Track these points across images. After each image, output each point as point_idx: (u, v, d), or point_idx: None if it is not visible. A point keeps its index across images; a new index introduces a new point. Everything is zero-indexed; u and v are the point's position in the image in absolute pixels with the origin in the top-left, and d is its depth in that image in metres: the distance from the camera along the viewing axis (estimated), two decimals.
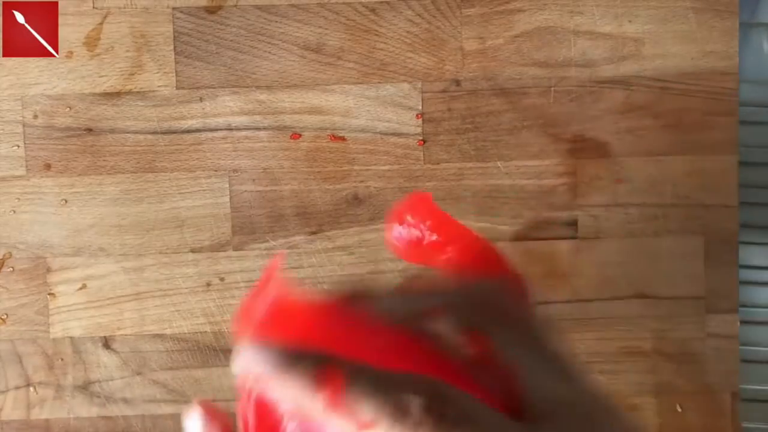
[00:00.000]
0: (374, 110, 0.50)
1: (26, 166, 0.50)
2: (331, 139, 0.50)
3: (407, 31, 0.50)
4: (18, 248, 0.50)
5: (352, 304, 0.24)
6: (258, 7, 0.49)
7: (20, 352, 0.50)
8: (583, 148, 0.50)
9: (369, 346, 0.23)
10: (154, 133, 0.50)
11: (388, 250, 0.50)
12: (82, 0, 0.49)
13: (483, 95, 0.50)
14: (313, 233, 0.50)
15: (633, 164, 0.50)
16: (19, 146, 0.50)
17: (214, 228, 0.50)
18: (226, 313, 0.50)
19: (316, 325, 0.23)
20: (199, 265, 0.50)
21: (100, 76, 0.50)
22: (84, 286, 0.50)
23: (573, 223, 0.50)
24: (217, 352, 0.50)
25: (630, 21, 0.50)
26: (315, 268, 0.50)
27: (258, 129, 0.50)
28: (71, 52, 0.50)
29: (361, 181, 0.50)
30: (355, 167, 0.50)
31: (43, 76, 0.49)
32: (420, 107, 0.50)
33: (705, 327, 0.51)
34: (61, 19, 0.49)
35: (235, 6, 0.49)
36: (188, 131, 0.50)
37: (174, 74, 0.50)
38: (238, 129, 0.50)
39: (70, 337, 0.50)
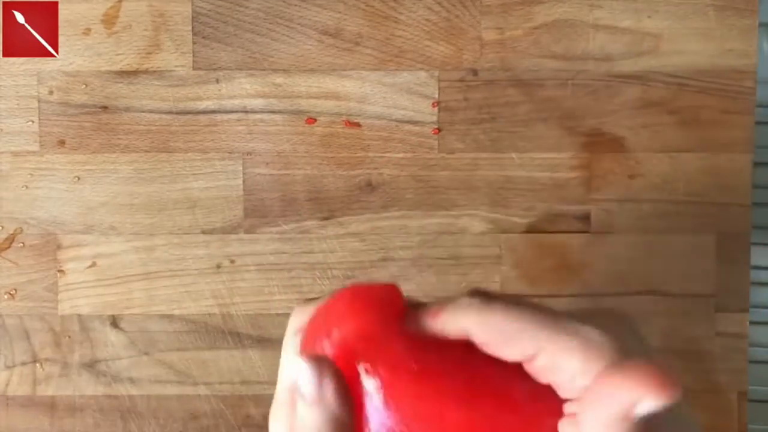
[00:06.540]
0: (390, 97, 0.50)
1: (40, 142, 0.50)
2: (346, 124, 0.50)
3: (426, 19, 0.50)
4: (29, 224, 0.50)
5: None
6: None
7: (28, 328, 0.50)
8: (599, 142, 0.50)
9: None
10: (170, 113, 0.50)
11: (399, 238, 0.50)
12: None
13: (500, 86, 0.50)
14: (325, 219, 0.50)
15: (647, 160, 0.50)
16: (33, 122, 0.50)
17: (226, 210, 0.50)
18: (236, 296, 0.50)
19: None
20: (210, 247, 0.50)
21: (117, 54, 0.50)
22: (94, 264, 0.50)
23: (585, 217, 0.50)
24: (225, 334, 0.50)
25: (649, 16, 0.50)
26: (326, 253, 0.50)
27: (273, 112, 0.50)
28: (89, 29, 0.49)
29: (375, 168, 0.50)
30: (369, 154, 0.50)
31: (59, 52, 0.49)
32: (436, 96, 0.50)
33: (714, 325, 0.51)
34: None
35: None
36: (203, 112, 0.50)
37: (191, 54, 0.50)
38: (253, 112, 0.50)
39: (78, 315, 0.50)
